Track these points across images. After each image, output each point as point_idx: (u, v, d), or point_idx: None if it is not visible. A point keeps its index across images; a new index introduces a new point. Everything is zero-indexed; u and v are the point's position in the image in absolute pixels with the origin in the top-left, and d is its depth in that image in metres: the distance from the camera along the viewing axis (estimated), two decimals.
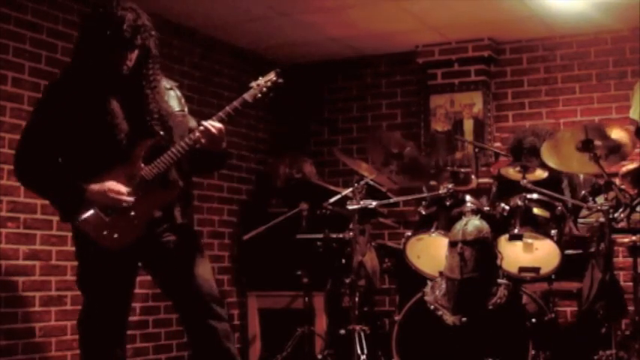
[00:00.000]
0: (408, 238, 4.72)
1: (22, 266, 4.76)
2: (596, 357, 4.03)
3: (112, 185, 3.13)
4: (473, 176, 5.15)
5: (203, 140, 3.17)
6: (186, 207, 3.34)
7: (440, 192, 4.71)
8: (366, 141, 5.18)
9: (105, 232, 3.15)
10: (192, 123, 3.33)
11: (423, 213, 4.78)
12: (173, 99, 3.33)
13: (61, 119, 3.15)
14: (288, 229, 5.39)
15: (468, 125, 6.39)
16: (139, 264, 3.35)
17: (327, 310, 5.63)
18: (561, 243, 4.44)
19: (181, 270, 3.24)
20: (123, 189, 3.14)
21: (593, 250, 4.39)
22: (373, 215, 5.19)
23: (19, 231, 4.76)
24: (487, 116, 6.39)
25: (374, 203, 4.71)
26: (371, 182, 4.90)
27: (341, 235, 5.02)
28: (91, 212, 3.15)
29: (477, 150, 5.75)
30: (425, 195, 4.92)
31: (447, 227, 4.48)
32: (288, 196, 5.92)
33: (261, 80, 3.33)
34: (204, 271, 3.29)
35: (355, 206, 4.64)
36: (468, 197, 4.64)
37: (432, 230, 4.64)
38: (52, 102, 3.21)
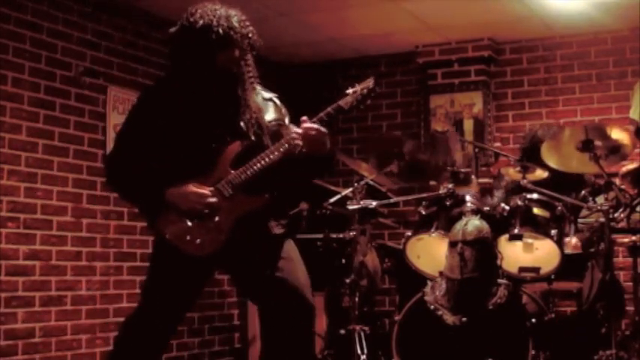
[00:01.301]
0: (408, 238, 4.72)
1: (22, 266, 4.76)
2: (596, 357, 4.02)
3: (193, 187, 3.01)
4: (473, 176, 5.14)
5: (300, 143, 3.05)
6: (282, 218, 3.20)
7: (440, 192, 4.71)
8: (368, 145, 5.15)
9: (187, 238, 3.02)
10: (293, 130, 3.16)
11: (423, 213, 4.78)
12: (271, 109, 3.23)
13: (153, 126, 3.07)
14: (288, 229, 5.37)
15: (468, 125, 6.39)
16: (215, 272, 3.24)
17: (327, 310, 5.62)
18: (561, 243, 4.43)
19: (267, 281, 3.11)
20: (205, 192, 3.01)
21: (593, 250, 4.39)
22: (373, 215, 5.19)
23: (19, 231, 4.76)
24: (487, 116, 6.39)
25: (374, 203, 4.71)
26: (371, 182, 4.90)
27: (341, 235, 5.01)
28: (173, 217, 3.03)
29: (476, 150, 5.75)
30: (425, 195, 4.92)
31: (447, 227, 4.48)
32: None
33: (357, 87, 3.24)
34: (298, 276, 3.17)
35: (355, 206, 4.64)
36: (467, 197, 4.64)
37: (432, 230, 4.63)
38: (145, 108, 3.13)
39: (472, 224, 4.21)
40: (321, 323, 5.60)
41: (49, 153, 4.94)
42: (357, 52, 6.67)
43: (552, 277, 4.48)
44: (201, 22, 3.02)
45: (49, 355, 4.87)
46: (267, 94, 3.26)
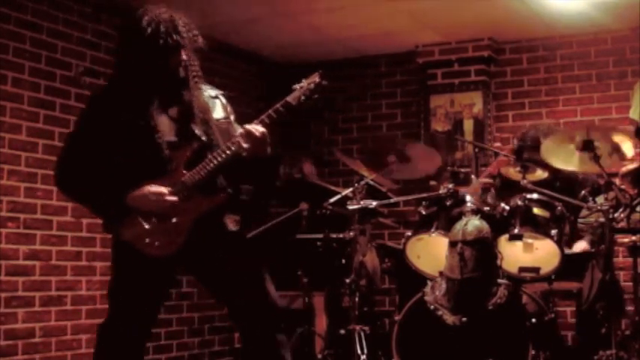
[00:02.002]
0: (408, 238, 4.72)
1: (22, 266, 4.76)
2: (596, 357, 4.02)
3: (152, 188, 3.05)
4: (473, 176, 5.14)
5: (245, 144, 3.10)
6: (237, 213, 3.25)
7: (440, 192, 4.71)
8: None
9: (147, 240, 3.06)
10: (239, 130, 3.23)
11: (423, 213, 4.77)
12: (219, 107, 3.28)
13: (103, 130, 3.10)
14: (288, 229, 5.38)
15: (468, 125, 6.39)
16: (177, 273, 3.27)
17: (327, 310, 5.62)
18: (561, 243, 4.43)
19: (231, 278, 3.17)
20: (164, 190, 3.05)
21: (593, 250, 4.39)
22: (373, 215, 5.18)
23: (19, 231, 4.76)
24: (487, 116, 6.39)
25: (374, 203, 4.70)
26: (371, 182, 4.90)
27: (341, 235, 5.01)
28: (132, 219, 3.06)
29: (476, 150, 5.75)
30: (425, 195, 4.91)
31: (447, 227, 4.47)
32: (288, 196, 5.92)
33: (304, 82, 3.26)
34: (256, 279, 3.21)
35: (355, 206, 4.63)
36: (467, 197, 4.64)
37: (432, 230, 4.63)
38: (95, 113, 3.16)
39: (472, 224, 4.21)
40: (321, 323, 5.60)
41: (49, 153, 4.94)
42: (357, 52, 6.67)
43: (552, 277, 4.48)
44: (149, 29, 3.06)
45: (49, 355, 4.87)
46: (213, 92, 3.32)
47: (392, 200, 5.03)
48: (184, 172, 3.10)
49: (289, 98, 3.20)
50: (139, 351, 3.24)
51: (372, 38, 6.33)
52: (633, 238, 4.24)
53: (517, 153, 5.16)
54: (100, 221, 5.22)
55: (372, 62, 6.82)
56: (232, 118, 3.31)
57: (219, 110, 3.27)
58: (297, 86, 3.25)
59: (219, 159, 3.09)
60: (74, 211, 5.08)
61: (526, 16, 5.80)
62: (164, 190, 3.05)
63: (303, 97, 3.22)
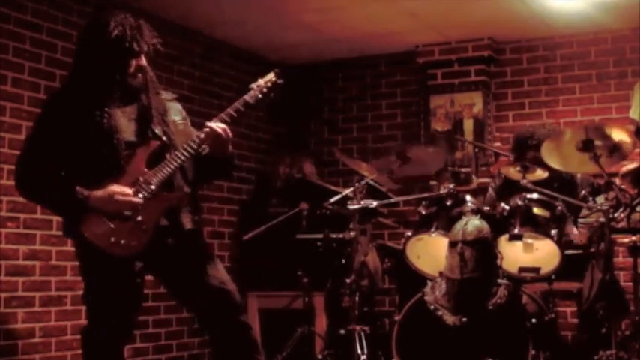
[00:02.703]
0: (408, 238, 4.72)
1: (22, 266, 4.76)
2: (596, 357, 4.02)
3: (117, 188, 3.09)
4: (473, 176, 5.14)
5: (208, 141, 3.17)
6: (194, 214, 3.30)
7: (440, 192, 4.71)
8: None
9: (112, 239, 3.09)
10: (195, 132, 3.31)
11: (423, 213, 4.77)
12: (174, 110, 3.35)
13: (62, 131, 3.14)
14: (288, 229, 5.38)
15: (468, 125, 6.39)
16: (143, 269, 3.30)
17: (327, 310, 5.62)
18: (561, 243, 4.43)
19: (189, 275, 3.22)
20: (128, 190, 3.10)
21: (593, 250, 4.39)
22: (373, 215, 5.19)
23: (19, 231, 4.76)
24: (487, 116, 6.39)
25: (374, 203, 4.70)
26: (371, 182, 4.90)
27: (341, 235, 5.01)
28: (95, 219, 3.09)
29: (476, 150, 5.74)
30: (425, 195, 4.91)
31: (447, 227, 4.48)
32: (288, 196, 5.92)
33: (260, 81, 3.34)
34: (217, 272, 3.26)
35: (355, 206, 4.64)
36: (468, 197, 4.64)
37: (432, 230, 4.63)
38: (52, 114, 3.20)
39: (472, 224, 4.21)
40: (321, 323, 5.61)
41: None
42: (357, 52, 6.67)
43: (552, 277, 4.48)
44: (115, 32, 3.13)
45: (49, 355, 4.87)
46: (169, 96, 3.38)
47: (392, 200, 5.03)
48: (145, 170, 3.14)
49: (247, 97, 3.29)
50: (117, 352, 3.29)
51: (372, 38, 6.33)
52: (633, 238, 4.25)
53: (515, 152, 5.16)
54: None
55: (372, 62, 6.82)
56: (188, 121, 3.39)
57: (176, 112, 3.35)
58: (254, 85, 3.33)
59: (182, 157, 3.15)
60: None
61: (526, 16, 5.80)
62: (128, 190, 3.10)
63: (260, 96, 3.30)
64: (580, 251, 4.63)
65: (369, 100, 6.84)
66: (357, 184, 4.74)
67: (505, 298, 4.16)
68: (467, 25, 6.04)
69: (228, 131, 3.21)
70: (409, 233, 4.77)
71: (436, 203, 4.73)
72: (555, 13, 5.75)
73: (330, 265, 5.30)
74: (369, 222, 5.20)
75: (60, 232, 4.93)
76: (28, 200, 3.41)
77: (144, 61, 3.21)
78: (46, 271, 4.89)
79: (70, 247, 5.02)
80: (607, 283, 4.00)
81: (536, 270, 4.44)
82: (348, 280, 4.68)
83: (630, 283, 4.55)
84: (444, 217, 4.63)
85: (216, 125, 3.19)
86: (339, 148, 6.70)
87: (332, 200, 4.92)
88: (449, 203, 4.65)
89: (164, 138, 3.20)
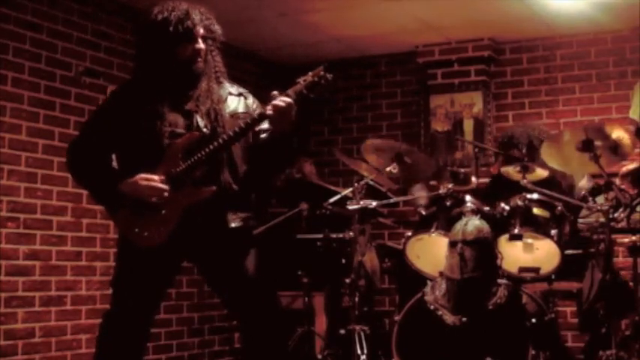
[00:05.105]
0: (408, 238, 4.72)
1: (22, 266, 4.76)
2: (596, 357, 4.02)
3: (144, 175, 3.05)
4: (473, 176, 5.14)
5: (270, 113, 3.07)
6: (245, 212, 3.21)
7: (440, 192, 4.71)
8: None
9: (136, 230, 3.08)
10: (261, 126, 3.22)
11: (423, 213, 4.78)
12: (241, 103, 3.26)
13: (116, 120, 3.14)
14: (288, 229, 5.38)
15: (468, 125, 6.39)
16: (182, 263, 3.28)
17: (327, 310, 5.62)
18: (561, 243, 4.43)
19: (231, 274, 3.19)
20: (154, 177, 3.05)
21: (593, 250, 4.39)
22: (373, 215, 5.18)
23: (19, 231, 4.76)
24: (487, 116, 6.39)
25: (374, 203, 4.70)
26: (371, 182, 4.90)
27: (341, 235, 5.01)
28: (125, 209, 3.10)
29: (476, 150, 5.75)
30: (425, 195, 4.91)
31: (447, 227, 4.48)
32: (288, 196, 5.92)
33: (308, 75, 3.27)
34: (253, 271, 3.22)
35: (355, 206, 4.63)
36: (468, 197, 4.64)
37: (432, 230, 4.63)
38: (112, 102, 3.24)
39: (472, 224, 4.21)
40: (321, 323, 5.60)
41: (49, 153, 4.94)
42: (357, 52, 6.67)
43: (552, 277, 4.48)
44: (159, 16, 3.09)
45: (49, 355, 4.87)
46: (236, 90, 3.30)
47: (392, 200, 5.03)
48: (181, 162, 3.08)
49: (290, 91, 3.19)
50: (140, 342, 3.25)
51: (372, 38, 6.33)
52: (633, 238, 4.25)
53: (503, 148, 5.16)
54: (99, 222, 5.25)
55: (372, 62, 6.82)
56: (247, 111, 3.27)
57: (240, 106, 3.25)
58: (300, 79, 3.27)
59: (216, 144, 3.06)
60: (74, 211, 5.08)
61: (526, 16, 5.80)
62: (154, 177, 3.06)
63: (304, 91, 3.24)
64: (580, 251, 4.63)
65: (369, 100, 6.84)
66: (356, 184, 4.74)
67: (505, 298, 4.15)
68: (467, 25, 6.05)
69: (291, 102, 3.13)
70: (409, 233, 4.78)
71: (436, 203, 4.73)
72: (555, 13, 5.75)
73: (329, 265, 5.30)
74: (369, 222, 5.20)
75: (60, 232, 4.99)
76: (75, 180, 3.37)
77: (201, 45, 3.12)
78: (46, 271, 4.89)
79: (69, 247, 5.04)
80: (612, 284, 4.00)
81: (536, 270, 4.44)
82: (347, 281, 4.68)
83: (630, 283, 4.55)
84: (443, 217, 4.63)
85: (280, 99, 3.10)
86: (339, 148, 6.70)
87: (332, 200, 4.92)
88: (449, 203, 4.65)
89: (205, 130, 3.12)
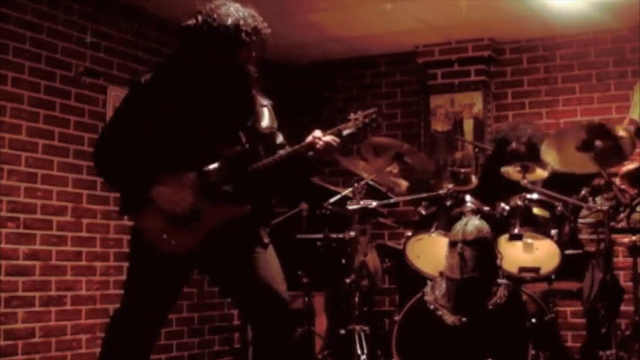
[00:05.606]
0: (408, 238, 4.72)
1: (22, 266, 4.76)
2: (596, 357, 4.02)
3: (180, 190, 3.03)
4: (473, 176, 5.14)
5: (319, 147, 3.22)
6: (269, 225, 3.28)
7: (440, 192, 4.71)
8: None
9: (164, 237, 3.04)
10: (280, 139, 3.29)
11: (423, 213, 4.77)
12: (266, 115, 3.27)
13: (149, 116, 3.08)
14: (288, 229, 5.38)
15: (468, 125, 6.39)
16: (194, 271, 3.27)
17: (327, 310, 5.62)
18: (561, 243, 4.43)
19: (250, 285, 3.18)
20: (189, 197, 3.03)
21: (593, 250, 4.39)
22: (373, 215, 5.18)
23: (19, 231, 4.76)
24: (487, 116, 6.39)
25: (374, 203, 4.70)
26: (371, 182, 4.90)
27: (341, 235, 5.01)
28: (154, 211, 3.04)
29: (476, 150, 5.74)
30: (425, 195, 4.91)
31: (447, 227, 4.47)
32: (288, 196, 5.92)
33: (359, 115, 3.35)
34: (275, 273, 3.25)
35: (355, 206, 4.63)
36: (468, 197, 4.64)
37: (432, 230, 4.63)
38: (142, 97, 3.14)
39: (472, 224, 4.20)
40: (321, 323, 5.60)
41: (49, 153, 4.94)
42: (357, 52, 6.67)
43: (552, 277, 4.48)
44: (229, 20, 3.08)
45: (49, 355, 4.87)
46: (264, 101, 3.31)
47: (392, 200, 5.03)
48: (217, 173, 3.07)
49: (341, 126, 3.33)
50: (148, 344, 3.22)
51: (372, 38, 6.33)
52: (633, 238, 4.25)
53: (497, 146, 5.16)
54: (99, 222, 5.24)
55: (372, 62, 6.82)
56: (276, 126, 3.32)
57: (266, 119, 3.27)
58: (352, 117, 3.36)
59: (261, 165, 3.11)
60: (74, 211, 5.08)
61: (526, 16, 5.80)
62: (190, 197, 3.03)
63: (354, 130, 3.33)
64: (580, 251, 4.63)
65: (369, 100, 6.83)
66: (356, 184, 4.74)
67: (505, 298, 4.15)
68: (467, 25, 6.04)
69: (338, 141, 3.28)
70: (409, 233, 4.77)
71: (436, 203, 4.73)
72: (555, 13, 5.75)
73: (329, 265, 5.30)
74: (369, 222, 5.20)
75: (60, 232, 4.99)
76: (102, 177, 3.29)
77: (254, 54, 3.15)
78: (46, 271, 4.89)
79: (69, 247, 5.04)
80: (608, 283, 4.00)
81: (536, 270, 4.44)
82: (347, 280, 4.67)
83: (630, 283, 4.56)
84: (443, 217, 4.63)
85: (329, 138, 3.26)
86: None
87: (332, 200, 4.92)
88: (449, 203, 4.65)
89: (247, 145, 3.13)
